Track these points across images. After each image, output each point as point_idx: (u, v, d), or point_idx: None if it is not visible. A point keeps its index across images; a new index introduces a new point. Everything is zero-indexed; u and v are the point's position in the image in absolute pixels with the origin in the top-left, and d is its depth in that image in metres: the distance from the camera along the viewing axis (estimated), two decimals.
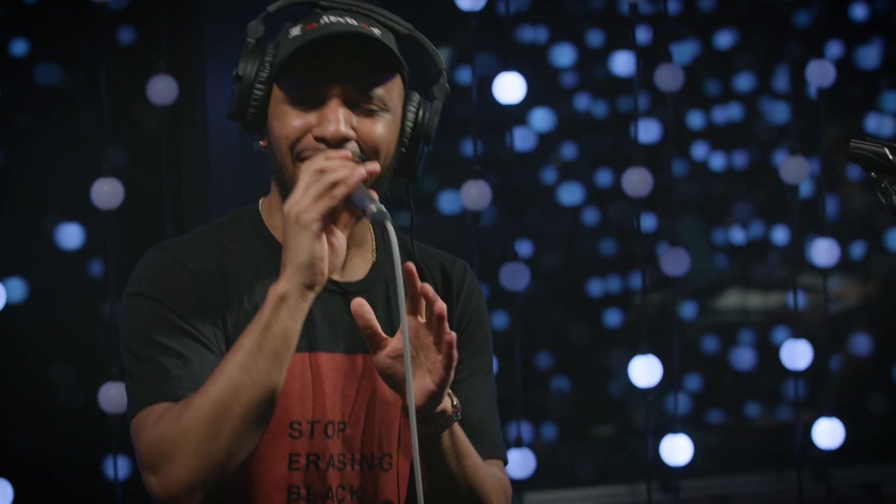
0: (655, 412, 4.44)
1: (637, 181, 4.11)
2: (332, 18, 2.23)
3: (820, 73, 4.28)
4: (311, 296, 2.12)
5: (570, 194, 5.04)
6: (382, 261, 2.38)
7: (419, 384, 2.13)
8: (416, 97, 2.31)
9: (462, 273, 2.44)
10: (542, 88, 4.94)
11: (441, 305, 2.07)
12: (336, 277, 2.30)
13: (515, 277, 4.05)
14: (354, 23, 2.22)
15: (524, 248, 4.86)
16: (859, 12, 5.24)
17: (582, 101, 5.10)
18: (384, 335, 2.12)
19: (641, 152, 4.14)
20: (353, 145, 2.20)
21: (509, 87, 4.08)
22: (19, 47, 4.26)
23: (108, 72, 3.78)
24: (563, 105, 5.05)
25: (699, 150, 5.19)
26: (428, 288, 2.07)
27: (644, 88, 4.34)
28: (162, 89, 3.79)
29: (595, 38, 5.07)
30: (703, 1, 5.21)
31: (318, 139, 2.20)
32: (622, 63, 4.96)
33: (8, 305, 3.75)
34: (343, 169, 2.12)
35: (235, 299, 2.23)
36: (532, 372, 4.80)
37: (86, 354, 4.22)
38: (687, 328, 5.18)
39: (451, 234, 4.81)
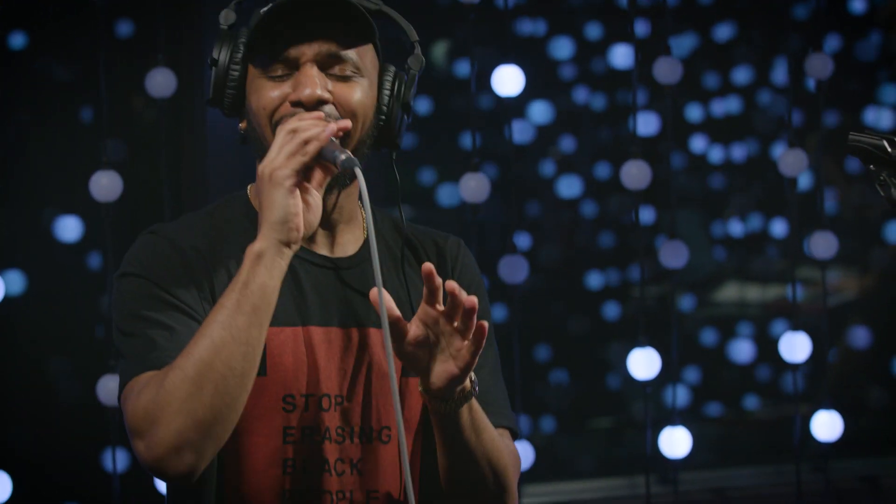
0: (654, 405, 4.44)
1: (636, 174, 4.11)
2: None
3: (818, 66, 4.28)
4: (288, 253, 2.14)
5: (569, 187, 5.04)
6: (377, 238, 2.38)
7: (441, 368, 2.15)
8: (391, 68, 2.34)
9: (456, 247, 2.46)
10: (541, 81, 4.94)
11: (472, 300, 2.09)
12: (327, 253, 2.32)
13: (514, 270, 4.06)
14: None
15: (523, 240, 4.87)
16: (858, 5, 5.24)
17: (580, 94, 5.10)
18: (405, 322, 2.13)
19: (640, 145, 4.14)
20: (329, 108, 2.23)
21: (508, 80, 4.08)
22: (18, 40, 4.25)
23: (106, 65, 3.79)
24: (561, 98, 5.05)
25: (698, 143, 5.20)
26: (454, 285, 2.09)
27: (643, 81, 4.34)
28: (160, 82, 3.79)
29: (594, 30, 5.07)
30: None
31: (295, 104, 2.23)
32: (621, 56, 4.96)
33: (6, 298, 3.75)
34: (315, 127, 2.14)
35: (224, 274, 2.24)
36: (531, 365, 4.81)
37: (84, 347, 4.23)
38: (686, 321, 5.18)
39: (449, 227, 4.78)
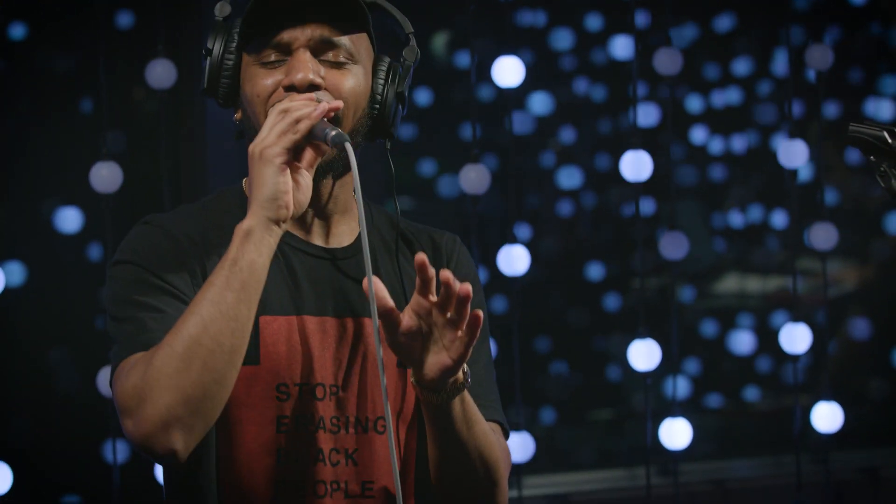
0: (654, 396, 4.44)
1: (636, 165, 4.11)
2: None
3: (819, 57, 4.28)
4: (277, 231, 2.14)
5: (569, 178, 5.04)
6: (370, 229, 2.39)
7: (434, 359, 2.13)
8: (386, 58, 2.34)
9: (451, 243, 2.45)
10: (541, 72, 4.94)
11: (465, 287, 2.07)
12: (322, 243, 2.33)
13: (514, 261, 4.06)
14: None
15: (523, 232, 4.87)
16: None
17: (581, 85, 5.10)
18: (398, 312, 2.12)
19: (640, 136, 4.14)
20: (321, 93, 2.23)
21: (508, 71, 4.08)
22: (18, 31, 4.25)
23: (106, 56, 3.78)
24: (561, 89, 5.05)
25: (698, 134, 5.19)
26: (448, 274, 2.07)
27: (643, 72, 4.34)
28: (160, 73, 3.79)
29: (594, 21, 5.06)
30: None
31: (288, 89, 2.23)
32: (621, 47, 4.95)
33: (7, 289, 3.75)
34: (307, 107, 2.15)
35: (217, 261, 2.23)
36: (531, 356, 4.81)
37: (85, 339, 4.23)
38: (686, 312, 5.18)
39: (449, 219, 4.81)
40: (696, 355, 5.15)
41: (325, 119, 2.17)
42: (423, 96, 4.78)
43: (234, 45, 2.29)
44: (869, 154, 2.09)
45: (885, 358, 5.25)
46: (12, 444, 4.03)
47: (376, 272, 2.34)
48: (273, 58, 2.26)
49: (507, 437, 2.41)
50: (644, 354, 4.13)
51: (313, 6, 2.25)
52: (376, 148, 2.38)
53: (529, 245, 4.15)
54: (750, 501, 4.73)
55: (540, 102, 4.97)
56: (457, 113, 4.70)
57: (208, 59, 2.31)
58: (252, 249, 2.12)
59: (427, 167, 4.84)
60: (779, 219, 5.21)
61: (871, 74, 5.30)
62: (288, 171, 2.13)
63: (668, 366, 4.23)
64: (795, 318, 4.28)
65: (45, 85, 4.30)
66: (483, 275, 4.53)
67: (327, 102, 2.18)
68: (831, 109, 5.18)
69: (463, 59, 4.80)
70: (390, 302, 2.10)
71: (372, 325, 2.28)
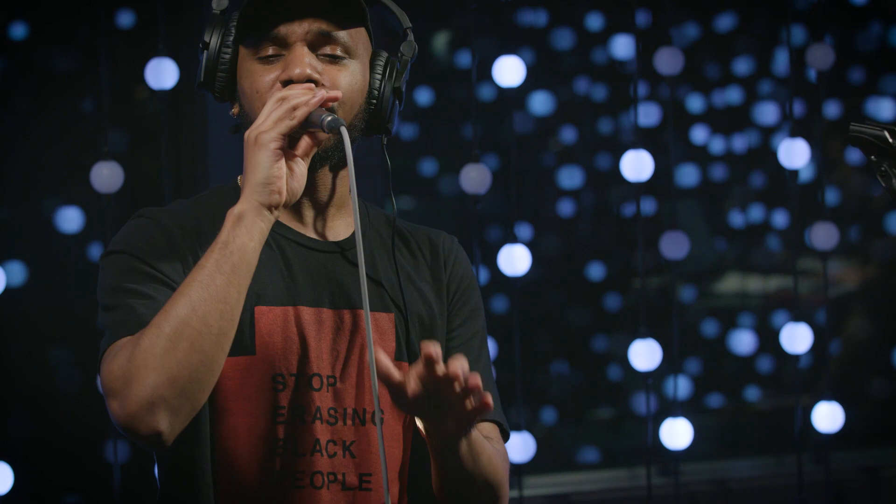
0: (655, 396, 4.44)
1: (636, 165, 4.11)
2: None
3: (820, 57, 4.28)
4: (269, 217, 2.14)
5: (570, 178, 5.03)
6: (366, 225, 2.38)
7: (441, 418, 2.11)
8: (383, 53, 2.34)
9: (449, 244, 2.45)
10: (542, 72, 4.93)
11: (475, 380, 2.04)
12: (318, 237, 2.32)
13: (515, 261, 4.06)
14: None
15: (524, 231, 4.86)
16: None
17: (581, 85, 5.10)
18: (403, 383, 2.07)
19: (641, 136, 4.14)
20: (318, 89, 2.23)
21: (509, 71, 4.08)
22: (18, 30, 4.25)
23: (107, 55, 3.78)
24: (562, 88, 5.05)
25: (699, 134, 5.19)
26: (431, 351, 2.03)
27: (644, 72, 4.34)
28: (161, 73, 3.79)
29: (595, 21, 5.06)
30: None
31: (285, 83, 2.23)
32: (622, 46, 4.95)
33: (7, 289, 3.75)
34: (304, 95, 2.16)
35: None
36: (531, 356, 4.80)
37: (85, 338, 4.20)
38: (686, 312, 5.18)
39: (450, 218, 4.81)
40: (697, 355, 5.15)
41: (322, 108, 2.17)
42: (423, 96, 4.78)
43: (231, 38, 2.29)
44: (870, 154, 2.09)
45: (886, 358, 5.25)
46: (13, 444, 4.03)
47: (373, 266, 2.34)
48: (270, 52, 2.25)
49: (507, 437, 2.40)
50: (645, 354, 4.13)
51: (312, 1, 2.25)
52: (377, 145, 2.38)
53: (530, 245, 4.15)
54: (751, 501, 4.73)
55: (541, 102, 4.97)
56: (458, 112, 4.69)
57: (205, 52, 2.30)
58: (243, 233, 2.12)
59: (428, 166, 4.84)
60: (780, 218, 5.20)
61: (871, 74, 5.30)
62: (283, 157, 2.14)
63: (669, 366, 4.23)
64: (796, 318, 4.28)
65: (45, 84, 4.30)
66: (484, 274, 4.53)
67: (325, 92, 2.18)
68: (832, 109, 5.18)
69: (464, 59, 4.79)
70: (395, 373, 2.07)
71: (370, 316, 2.28)
